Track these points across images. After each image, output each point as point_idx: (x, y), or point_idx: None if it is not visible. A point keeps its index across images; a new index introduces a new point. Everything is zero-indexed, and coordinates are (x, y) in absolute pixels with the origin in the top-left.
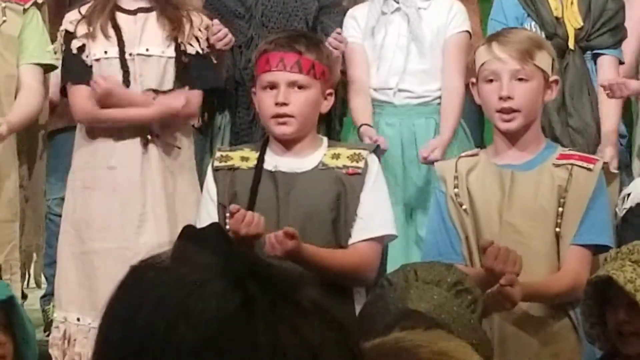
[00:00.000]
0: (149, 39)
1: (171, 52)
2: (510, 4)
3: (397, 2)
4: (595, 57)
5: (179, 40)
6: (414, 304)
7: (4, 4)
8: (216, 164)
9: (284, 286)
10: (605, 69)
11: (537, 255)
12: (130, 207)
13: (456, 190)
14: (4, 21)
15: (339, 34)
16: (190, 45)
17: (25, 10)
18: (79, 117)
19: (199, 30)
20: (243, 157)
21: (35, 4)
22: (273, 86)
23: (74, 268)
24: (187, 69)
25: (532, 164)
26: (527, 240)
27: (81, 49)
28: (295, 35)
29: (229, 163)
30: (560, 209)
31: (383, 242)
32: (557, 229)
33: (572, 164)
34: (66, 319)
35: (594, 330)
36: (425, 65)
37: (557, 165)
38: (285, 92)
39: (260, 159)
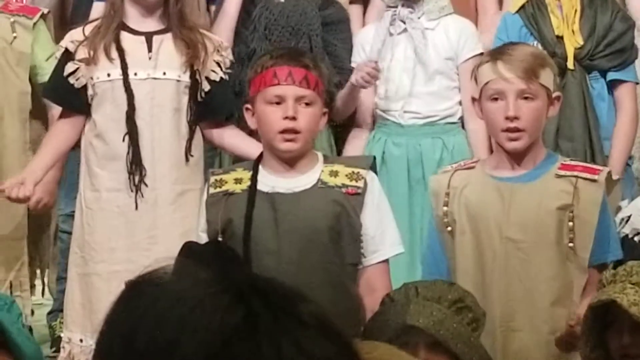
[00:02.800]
0: (165, 62)
1: (186, 78)
2: (513, 26)
3: (404, 23)
4: (606, 80)
5: (195, 67)
6: (413, 319)
7: (12, 19)
8: (211, 190)
9: (285, 300)
10: (622, 99)
11: (539, 271)
12: (137, 228)
13: (445, 208)
14: (15, 37)
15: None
16: (213, 72)
17: (34, 25)
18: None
19: (218, 53)
20: (237, 179)
21: (42, 16)
22: (280, 101)
23: (79, 289)
24: (208, 96)
25: (533, 175)
26: (529, 256)
27: (73, 73)
28: (299, 50)
29: (224, 188)
30: (570, 224)
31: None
32: (571, 244)
33: (576, 177)
34: (70, 339)
35: (593, 355)
36: (431, 88)
37: (560, 176)
38: (293, 107)
39: (254, 181)
